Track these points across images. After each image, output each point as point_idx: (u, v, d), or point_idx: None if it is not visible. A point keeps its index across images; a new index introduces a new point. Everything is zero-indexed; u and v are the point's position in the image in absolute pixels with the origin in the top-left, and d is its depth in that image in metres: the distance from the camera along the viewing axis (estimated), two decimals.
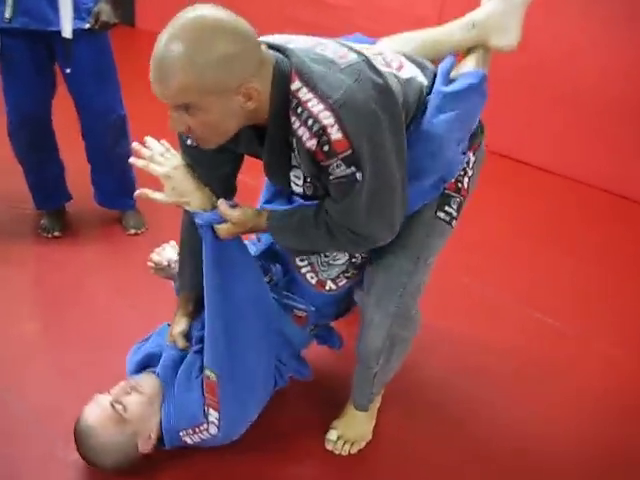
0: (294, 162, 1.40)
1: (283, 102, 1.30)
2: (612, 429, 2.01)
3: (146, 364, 1.81)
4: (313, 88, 1.26)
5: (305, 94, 1.27)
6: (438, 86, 1.54)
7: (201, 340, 1.69)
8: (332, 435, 1.87)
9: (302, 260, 1.72)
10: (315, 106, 1.26)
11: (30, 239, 2.65)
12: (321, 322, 1.83)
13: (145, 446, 1.66)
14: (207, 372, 1.61)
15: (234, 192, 1.66)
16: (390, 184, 1.37)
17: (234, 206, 1.50)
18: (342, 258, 1.70)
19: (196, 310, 1.75)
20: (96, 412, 1.62)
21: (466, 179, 1.63)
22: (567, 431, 1.98)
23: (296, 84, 1.28)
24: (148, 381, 1.71)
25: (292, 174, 1.43)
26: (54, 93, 2.51)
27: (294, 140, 1.33)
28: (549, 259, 2.85)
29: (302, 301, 1.76)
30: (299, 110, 1.28)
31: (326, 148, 1.27)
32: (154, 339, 1.85)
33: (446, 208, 1.61)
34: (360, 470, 1.83)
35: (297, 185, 1.45)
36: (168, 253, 1.93)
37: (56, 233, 2.67)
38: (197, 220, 1.51)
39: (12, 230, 2.69)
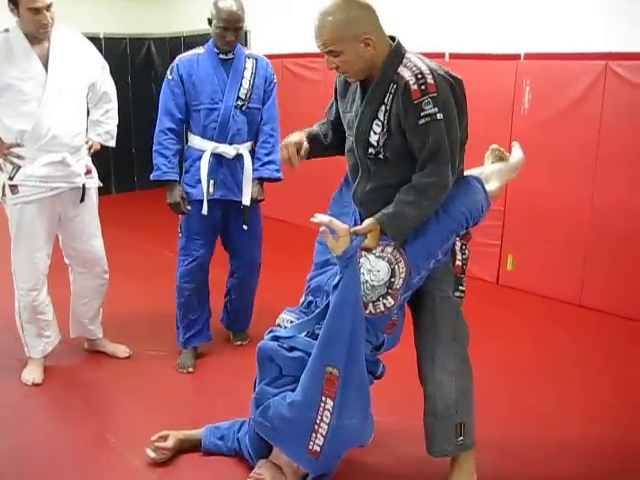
0: (379, 115, 2.04)
1: (395, 61, 2.01)
2: None
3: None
4: (419, 60, 2.01)
5: (414, 59, 2.01)
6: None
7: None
8: None
9: None
10: (420, 65, 1.98)
11: (167, 376, 3.11)
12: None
13: None
14: (329, 369, 2.01)
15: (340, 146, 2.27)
16: (455, 134, 2.00)
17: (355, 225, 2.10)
18: (383, 277, 2.06)
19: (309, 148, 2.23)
20: None
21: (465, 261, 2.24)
22: None
23: (408, 56, 2.03)
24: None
25: (374, 123, 2.06)
26: (214, 252, 3.21)
27: (391, 92, 2.00)
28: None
29: None
30: (408, 64, 2.00)
31: (423, 87, 1.94)
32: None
33: (460, 287, 2.23)
34: None
35: (375, 133, 2.06)
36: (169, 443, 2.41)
37: (190, 369, 3.13)
38: (349, 254, 1.98)
39: (151, 370, 3.16)
